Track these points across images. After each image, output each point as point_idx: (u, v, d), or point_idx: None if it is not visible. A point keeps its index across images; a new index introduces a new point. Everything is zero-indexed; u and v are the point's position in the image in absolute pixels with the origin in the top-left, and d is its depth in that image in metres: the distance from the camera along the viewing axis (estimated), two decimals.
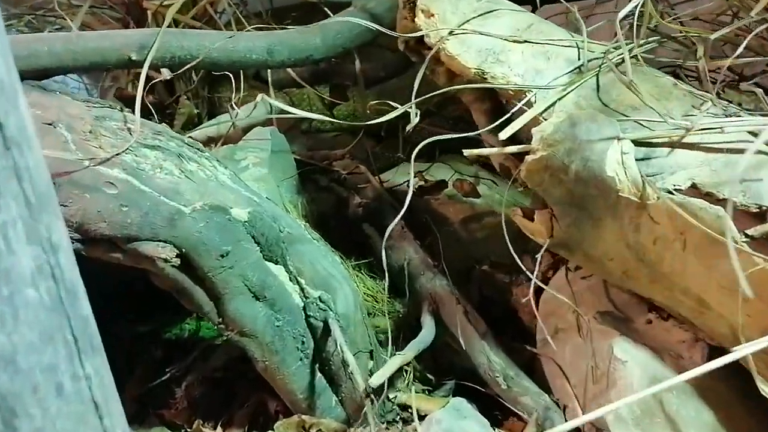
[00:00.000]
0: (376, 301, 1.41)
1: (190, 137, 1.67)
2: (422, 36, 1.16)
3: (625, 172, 0.93)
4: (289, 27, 1.96)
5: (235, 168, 1.43)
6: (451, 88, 1.09)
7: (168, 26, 1.45)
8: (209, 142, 1.62)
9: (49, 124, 1.08)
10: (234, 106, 1.74)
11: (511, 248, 1.08)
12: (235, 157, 1.45)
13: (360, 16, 1.42)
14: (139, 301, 1.56)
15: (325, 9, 1.49)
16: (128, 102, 1.72)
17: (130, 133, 1.13)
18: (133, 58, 1.19)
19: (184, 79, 1.72)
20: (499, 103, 1.20)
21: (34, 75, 1.17)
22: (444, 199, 1.69)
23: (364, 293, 1.41)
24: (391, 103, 1.12)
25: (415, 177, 1.72)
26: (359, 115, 1.96)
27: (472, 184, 1.67)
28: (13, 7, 1.86)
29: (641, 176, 0.92)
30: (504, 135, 0.96)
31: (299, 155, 1.66)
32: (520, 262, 1.10)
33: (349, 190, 1.58)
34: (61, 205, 1.06)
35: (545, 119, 1.03)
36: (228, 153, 1.45)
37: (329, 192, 1.60)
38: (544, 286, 1.07)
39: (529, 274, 1.04)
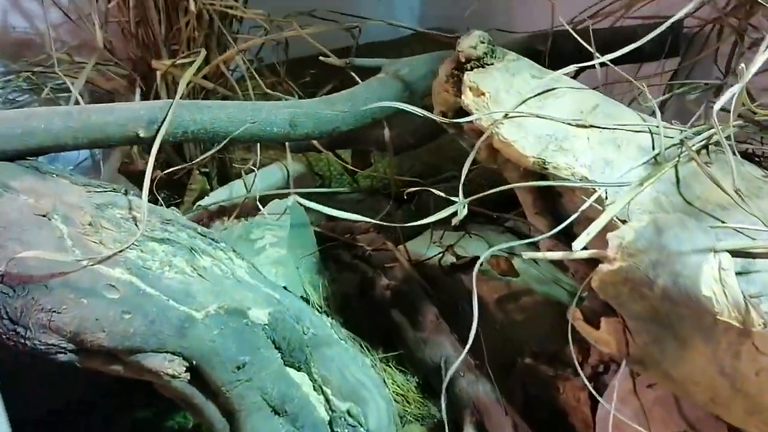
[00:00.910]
0: (408, 402, 1.25)
1: (200, 206, 1.54)
2: (467, 113, 1.03)
3: (725, 291, 0.78)
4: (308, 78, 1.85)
5: (252, 249, 1.29)
6: (513, 185, 0.95)
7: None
8: (222, 213, 1.48)
9: (43, 216, 0.94)
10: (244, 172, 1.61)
11: (576, 362, 0.93)
12: (251, 236, 1.30)
13: (391, 83, 1.30)
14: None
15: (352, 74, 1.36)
16: (134, 177, 1.58)
17: (136, 224, 0.99)
18: (141, 135, 1.06)
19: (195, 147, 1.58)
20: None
21: (28, 154, 1.03)
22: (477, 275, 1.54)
23: (394, 392, 1.25)
24: (438, 192, 0.97)
25: (445, 251, 1.58)
26: (380, 175, 1.83)
27: (508, 261, 1.52)
28: (12, 63, 1.74)
29: (744, 298, 0.77)
30: (578, 244, 0.81)
31: (319, 227, 1.51)
32: (584, 377, 0.95)
33: (374, 268, 1.43)
34: (53, 311, 0.91)
35: (619, 219, 0.88)
36: (243, 232, 1.31)
37: (353, 271, 1.45)
38: (618, 415, 0.91)
39: (598, 396, 0.88)
